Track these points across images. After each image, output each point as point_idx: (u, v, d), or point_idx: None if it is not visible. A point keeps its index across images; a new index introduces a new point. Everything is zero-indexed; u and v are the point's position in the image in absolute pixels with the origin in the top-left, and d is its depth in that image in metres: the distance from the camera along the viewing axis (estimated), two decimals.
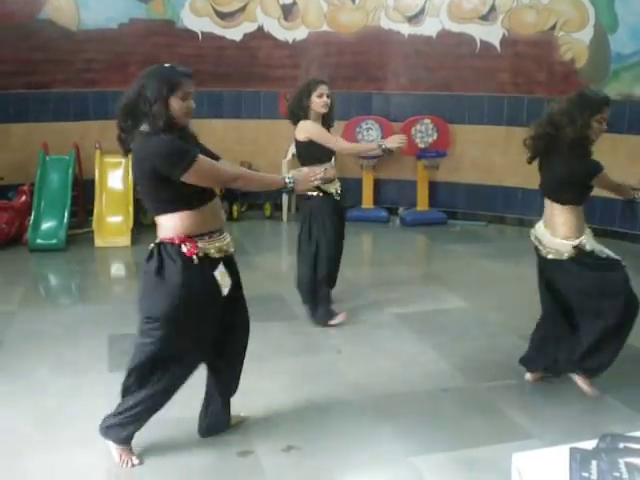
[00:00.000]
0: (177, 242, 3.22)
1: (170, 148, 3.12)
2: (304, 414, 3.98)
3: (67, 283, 6.86)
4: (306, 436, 3.73)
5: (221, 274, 3.35)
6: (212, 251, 3.31)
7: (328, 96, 5.16)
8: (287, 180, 3.39)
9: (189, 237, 3.23)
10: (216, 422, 3.75)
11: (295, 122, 5.22)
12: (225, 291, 3.37)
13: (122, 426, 3.47)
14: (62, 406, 4.03)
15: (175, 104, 3.17)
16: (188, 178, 3.13)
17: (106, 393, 4.11)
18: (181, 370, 3.44)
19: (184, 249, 3.22)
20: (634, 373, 4.52)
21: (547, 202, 4.11)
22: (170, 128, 3.14)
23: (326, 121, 5.25)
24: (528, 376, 4.40)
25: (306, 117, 5.16)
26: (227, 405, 3.76)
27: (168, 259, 3.23)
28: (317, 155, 5.14)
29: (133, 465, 3.48)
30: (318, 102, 5.12)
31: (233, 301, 3.51)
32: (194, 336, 3.37)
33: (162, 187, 3.19)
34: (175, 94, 3.17)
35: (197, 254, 3.23)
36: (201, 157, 3.16)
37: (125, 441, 3.51)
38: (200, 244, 3.26)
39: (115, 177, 7.92)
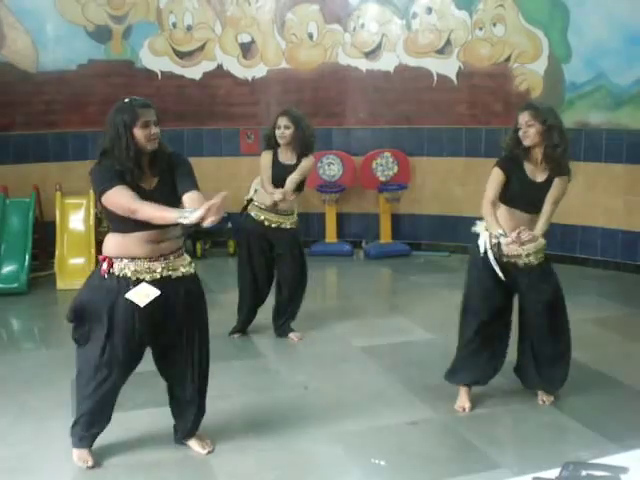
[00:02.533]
0: (101, 259, 3.62)
1: (96, 174, 3.50)
2: (270, 452, 3.94)
3: (29, 327, 6.75)
4: (273, 475, 3.70)
5: (136, 294, 3.52)
6: (128, 273, 3.53)
7: (287, 127, 5.38)
8: (179, 215, 3.24)
9: (109, 257, 3.56)
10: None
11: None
12: (141, 304, 3.52)
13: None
14: (26, 454, 3.94)
15: (138, 134, 3.45)
16: (105, 204, 3.45)
17: (69, 440, 4.06)
18: (103, 380, 3.65)
19: (104, 266, 3.56)
20: (602, 398, 4.58)
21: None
22: (139, 155, 3.47)
23: (296, 150, 5.49)
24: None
25: (274, 145, 5.50)
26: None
27: (96, 271, 3.69)
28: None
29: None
30: (276, 133, 5.43)
31: (172, 334, 3.69)
32: (102, 346, 3.58)
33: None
34: (136, 125, 3.44)
35: (110, 272, 3.54)
36: (114, 189, 3.38)
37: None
38: (116, 265, 3.54)
39: (76, 218, 7.85)
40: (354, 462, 3.83)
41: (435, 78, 8.48)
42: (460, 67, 8.38)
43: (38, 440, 4.10)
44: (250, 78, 8.86)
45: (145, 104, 3.53)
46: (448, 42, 8.39)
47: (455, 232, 8.43)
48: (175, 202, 3.48)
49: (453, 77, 8.42)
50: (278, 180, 5.47)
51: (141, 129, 3.45)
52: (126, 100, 3.54)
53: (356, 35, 8.69)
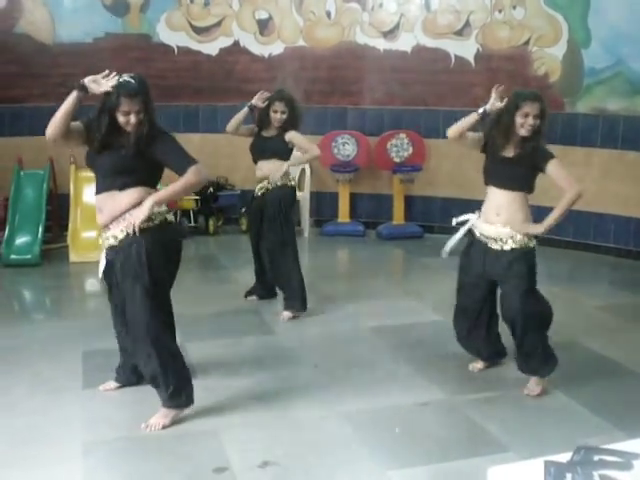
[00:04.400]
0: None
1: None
2: (280, 429, 3.96)
3: (41, 299, 6.80)
4: (282, 452, 3.71)
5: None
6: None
7: (283, 112, 5.62)
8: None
9: None
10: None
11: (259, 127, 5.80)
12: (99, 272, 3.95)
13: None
14: (38, 424, 3.97)
15: (119, 118, 3.69)
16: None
17: (81, 410, 4.10)
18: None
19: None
20: (610, 385, 4.56)
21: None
22: (117, 130, 3.71)
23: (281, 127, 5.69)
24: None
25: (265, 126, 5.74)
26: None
27: None
28: None
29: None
30: (272, 116, 5.65)
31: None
32: None
33: None
34: (118, 110, 3.67)
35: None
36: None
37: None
38: None
39: (90, 192, 7.67)
40: (363, 441, 3.83)
41: (453, 60, 8.43)
42: (478, 49, 8.32)
43: (50, 410, 4.13)
44: (267, 55, 8.83)
45: (131, 93, 3.64)
46: (467, 24, 8.33)
47: None
48: (121, 170, 3.74)
49: (471, 59, 8.37)
50: (257, 151, 5.76)
51: (121, 116, 3.67)
52: (120, 80, 3.66)
53: (374, 14, 8.64)
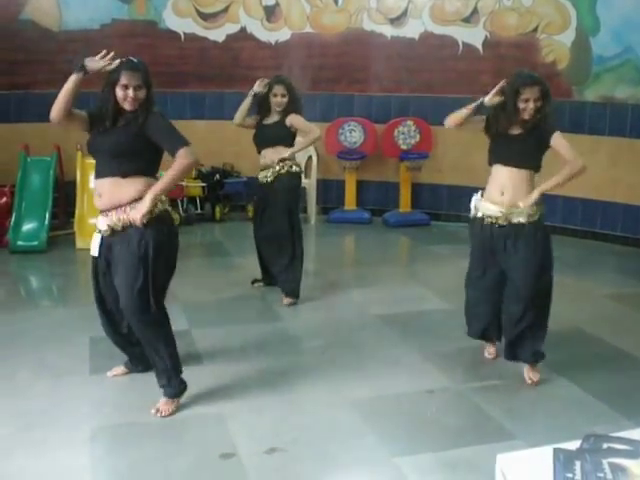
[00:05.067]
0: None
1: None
2: (287, 415, 3.97)
3: (48, 285, 6.81)
4: (290, 438, 3.71)
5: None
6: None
7: (284, 95, 5.60)
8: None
9: None
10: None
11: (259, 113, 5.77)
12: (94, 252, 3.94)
13: None
14: (44, 409, 3.98)
15: (118, 92, 3.75)
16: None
17: (87, 396, 4.11)
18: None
19: None
20: (617, 374, 4.56)
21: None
22: (118, 112, 3.79)
23: (282, 112, 5.66)
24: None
25: (265, 112, 5.72)
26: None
27: None
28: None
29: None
30: (272, 100, 5.63)
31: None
32: None
33: None
34: (117, 84, 3.74)
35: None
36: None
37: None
38: None
39: None
40: (370, 428, 3.84)
41: (461, 47, 8.39)
42: (486, 36, 8.28)
43: (56, 395, 4.14)
44: (273, 42, 8.80)
45: (133, 67, 3.75)
46: (475, 10, 8.29)
47: None
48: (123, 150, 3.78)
49: (479, 46, 8.33)
50: (261, 139, 5.72)
51: (120, 89, 3.73)
52: (123, 59, 3.77)
53: (382, 1, 8.59)
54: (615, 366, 4.68)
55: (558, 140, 4.14)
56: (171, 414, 3.90)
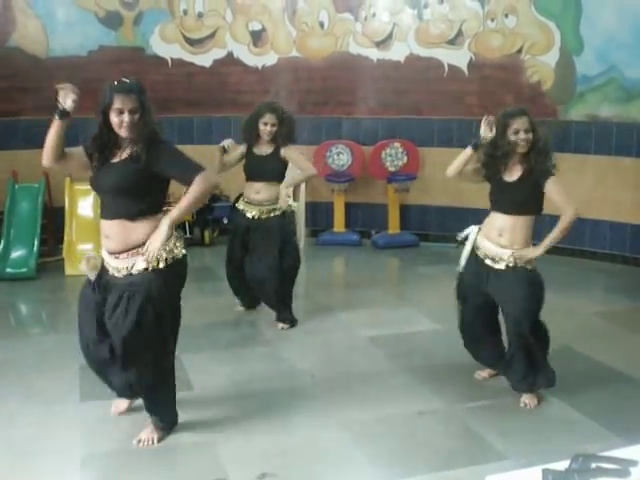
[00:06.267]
0: None
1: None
2: (278, 440, 3.95)
3: (37, 312, 6.78)
4: (280, 462, 3.71)
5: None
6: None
7: (274, 125, 5.41)
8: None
9: None
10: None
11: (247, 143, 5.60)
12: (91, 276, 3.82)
13: None
14: (34, 436, 3.97)
15: (112, 118, 3.54)
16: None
17: (78, 423, 4.09)
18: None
19: None
20: (607, 391, 4.57)
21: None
22: (117, 140, 3.60)
23: (273, 142, 5.51)
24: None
25: (253, 140, 5.52)
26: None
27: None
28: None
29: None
30: (261, 128, 5.44)
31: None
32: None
33: None
34: (111, 110, 3.52)
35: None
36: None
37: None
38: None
39: (85, 205, 7.85)
40: (361, 450, 3.83)
41: (446, 69, 8.46)
42: (471, 58, 8.34)
43: (46, 423, 4.12)
44: (260, 66, 8.85)
45: (126, 89, 3.54)
46: (460, 32, 8.36)
47: (464, 224, 8.31)
48: (127, 184, 3.58)
49: (464, 68, 8.39)
50: (254, 173, 5.54)
51: (114, 115, 3.53)
52: (115, 82, 3.57)
53: (367, 24, 8.66)
54: (605, 384, 4.69)
55: (550, 187, 4.16)
56: (157, 442, 3.88)
